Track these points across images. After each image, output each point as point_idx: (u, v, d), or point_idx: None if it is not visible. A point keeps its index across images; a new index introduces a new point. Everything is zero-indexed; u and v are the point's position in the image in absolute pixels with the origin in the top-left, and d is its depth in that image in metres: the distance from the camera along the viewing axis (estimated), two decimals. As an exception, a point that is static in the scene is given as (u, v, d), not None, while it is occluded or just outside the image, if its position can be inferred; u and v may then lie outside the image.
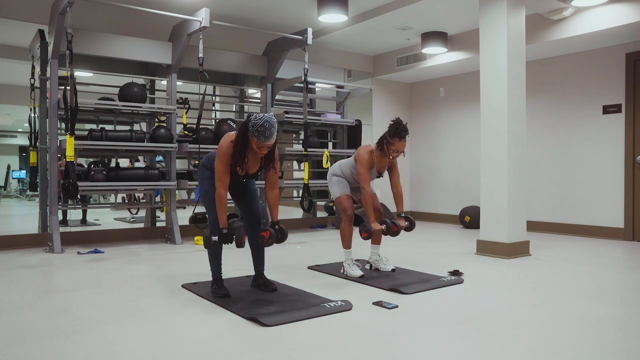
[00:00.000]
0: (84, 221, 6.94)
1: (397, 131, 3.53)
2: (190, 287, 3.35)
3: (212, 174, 3.06)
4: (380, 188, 4.17)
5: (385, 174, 3.86)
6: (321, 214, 7.63)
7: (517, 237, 4.63)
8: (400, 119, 3.59)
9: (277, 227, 3.07)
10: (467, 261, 4.38)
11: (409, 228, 3.73)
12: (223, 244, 2.99)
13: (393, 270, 3.84)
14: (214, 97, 6.70)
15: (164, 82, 5.78)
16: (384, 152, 3.64)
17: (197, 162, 5.57)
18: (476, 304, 3.02)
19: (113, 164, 5.59)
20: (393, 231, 3.63)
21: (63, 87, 4.76)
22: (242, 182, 3.23)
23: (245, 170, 3.02)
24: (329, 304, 2.87)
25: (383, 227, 3.62)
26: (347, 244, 3.80)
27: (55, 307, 2.91)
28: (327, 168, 6.11)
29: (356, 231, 3.88)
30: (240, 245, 2.92)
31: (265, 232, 3.03)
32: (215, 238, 2.96)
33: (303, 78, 5.88)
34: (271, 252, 4.32)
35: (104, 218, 7.44)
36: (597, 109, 5.97)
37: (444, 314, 2.81)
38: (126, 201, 7.18)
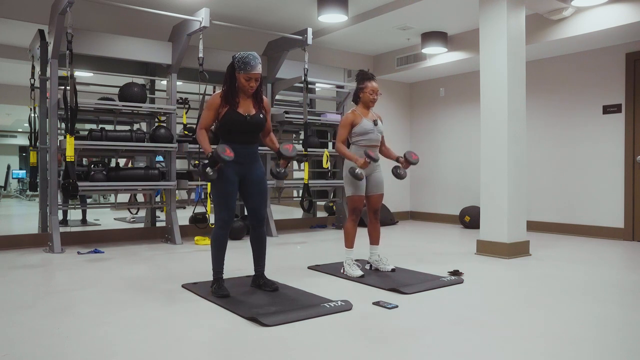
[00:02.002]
0: (84, 221, 6.95)
1: (364, 75, 3.80)
2: (190, 287, 3.35)
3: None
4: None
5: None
6: (321, 214, 7.63)
7: (517, 237, 4.63)
8: (362, 69, 3.92)
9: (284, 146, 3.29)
10: (467, 261, 4.38)
11: (408, 163, 3.83)
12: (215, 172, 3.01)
13: (393, 270, 3.85)
14: (214, 97, 6.69)
15: (164, 82, 5.78)
16: (363, 103, 3.81)
17: (197, 162, 5.57)
18: (476, 304, 3.02)
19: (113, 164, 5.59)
20: (403, 167, 3.80)
21: (63, 87, 4.76)
22: (252, 153, 3.20)
23: (244, 109, 3.09)
24: (329, 304, 2.87)
25: (369, 159, 3.61)
26: (349, 243, 3.80)
27: (55, 307, 2.92)
28: (327, 168, 6.13)
29: (358, 231, 3.88)
30: (222, 152, 2.93)
31: (289, 145, 3.28)
32: (209, 169, 2.97)
33: (303, 78, 5.88)
34: (271, 252, 4.33)
35: (104, 218, 7.44)
36: (597, 109, 5.97)
37: (444, 314, 2.81)
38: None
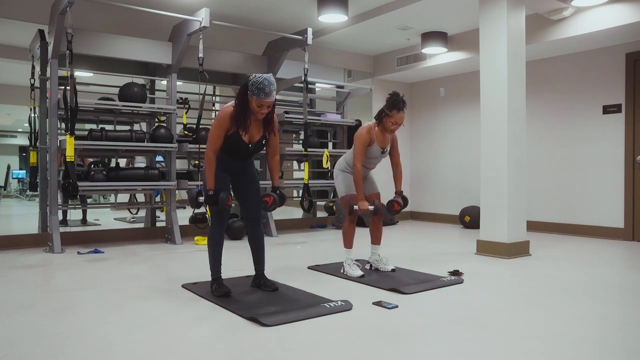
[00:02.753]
0: (84, 221, 6.94)
1: (395, 103, 3.55)
2: (190, 287, 3.35)
3: None
4: (380, 189, 4.16)
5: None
6: (321, 214, 7.63)
7: (517, 237, 4.63)
8: (397, 92, 3.62)
9: (278, 192, 3.17)
10: (467, 261, 4.38)
11: (401, 205, 3.76)
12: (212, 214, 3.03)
13: (393, 270, 3.84)
14: (214, 97, 6.70)
15: (164, 82, 5.78)
16: (383, 126, 3.66)
17: (197, 162, 5.57)
18: (476, 304, 3.02)
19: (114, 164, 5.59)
20: (388, 209, 3.72)
21: (63, 87, 4.76)
22: (246, 166, 3.22)
23: (249, 136, 3.04)
24: (329, 304, 2.87)
25: (371, 207, 3.64)
26: (348, 243, 3.80)
27: (55, 307, 2.91)
28: (327, 168, 6.14)
29: (358, 231, 3.88)
30: (223, 206, 2.94)
31: (268, 197, 3.11)
32: (201, 198, 3.00)
33: (303, 78, 5.88)
34: (271, 252, 4.33)
35: (104, 218, 7.44)
36: (597, 109, 5.97)
37: (444, 314, 2.81)
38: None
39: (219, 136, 2.99)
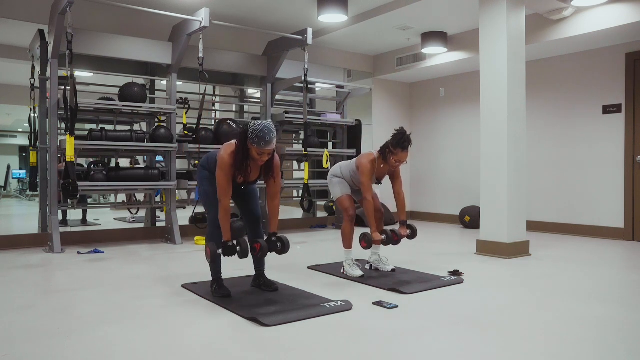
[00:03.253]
0: (84, 221, 6.94)
1: (401, 142, 3.54)
2: (191, 287, 3.35)
3: (211, 175, 3.07)
4: (380, 189, 4.20)
5: (387, 179, 3.87)
6: (321, 214, 7.63)
7: (517, 237, 4.63)
8: (404, 129, 3.61)
9: (274, 238, 3.05)
10: (467, 261, 4.38)
11: (411, 236, 3.76)
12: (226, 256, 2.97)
13: (393, 270, 3.84)
14: (214, 97, 6.69)
15: (164, 82, 5.78)
16: (385, 161, 3.65)
17: (197, 162, 5.57)
18: (476, 304, 3.02)
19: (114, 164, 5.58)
20: (394, 240, 3.66)
21: (63, 87, 4.76)
22: (241, 188, 3.23)
23: (245, 179, 3.02)
24: (329, 304, 2.87)
25: (383, 237, 3.64)
26: (348, 244, 3.80)
27: (55, 307, 2.91)
28: (327, 168, 6.13)
29: (358, 231, 3.88)
30: (244, 256, 2.91)
31: (256, 244, 2.98)
32: (220, 251, 2.96)
33: (303, 78, 5.88)
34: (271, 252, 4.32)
35: (104, 218, 7.44)
36: (597, 109, 5.97)
37: (444, 314, 2.81)
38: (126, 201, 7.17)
39: (229, 182, 2.92)
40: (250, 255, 3.08)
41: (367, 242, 3.63)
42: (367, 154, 3.71)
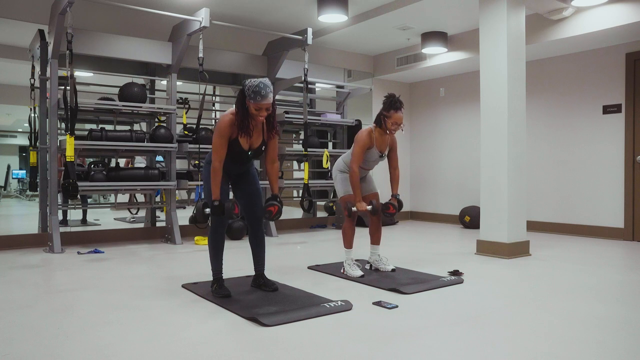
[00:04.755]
0: (84, 221, 6.94)
1: (392, 103, 3.58)
2: (191, 287, 3.35)
3: None
4: (379, 190, 4.21)
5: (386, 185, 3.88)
6: (321, 214, 7.63)
7: (517, 237, 4.63)
8: (393, 93, 3.64)
9: (278, 199, 3.15)
10: (467, 261, 4.38)
11: (397, 208, 3.75)
12: (218, 219, 3.01)
13: (393, 270, 3.84)
14: (214, 97, 6.70)
15: (164, 82, 5.78)
16: (382, 129, 3.67)
17: (197, 162, 5.57)
18: (476, 304, 3.02)
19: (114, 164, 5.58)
20: (384, 212, 3.69)
21: (63, 87, 4.76)
22: (246, 169, 3.23)
23: (250, 143, 3.05)
24: (329, 304, 2.87)
25: (369, 207, 3.64)
26: (348, 243, 3.80)
27: (55, 307, 2.92)
28: (327, 168, 6.13)
29: (358, 231, 3.88)
30: (230, 216, 2.94)
31: (272, 207, 3.08)
32: (207, 210, 2.99)
33: (303, 78, 5.88)
34: (271, 252, 4.33)
35: (104, 218, 7.44)
36: (597, 109, 5.97)
37: (444, 314, 2.81)
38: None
39: (223, 145, 2.98)
40: (250, 250, 3.07)
41: (347, 210, 3.61)
42: (365, 127, 3.75)
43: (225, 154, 3.02)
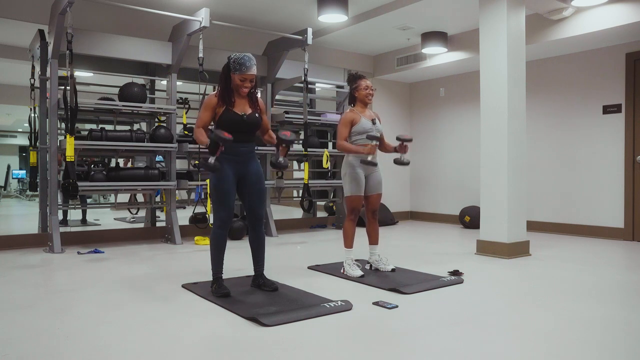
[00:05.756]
0: (84, 221, 6.95)
1: (354, 77, 3.88)
2: (191, 287, 3.35)
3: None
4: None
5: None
6: (321, 214, 7.63)
7: (517, 237, 4.63)
8: (349, 70, 3.89)
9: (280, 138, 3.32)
10: (467, 261, 4.38)
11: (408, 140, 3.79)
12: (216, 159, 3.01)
13: (393, 270, 3.85)
14: (214, 97, 6.68)
15: (164, 82, 5.78)
16: (360, 102, 3.84)
17: (197, 162, 5.57)
18: (476, 304, 3.02)
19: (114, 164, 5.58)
20: (398, 148, 3.75)
21: (63, 87, 4.76)
22: (250, 151, 3.23)
23: (240, 108, 3.14)
24: (329, 304, 2.87)
25: (374, 141, 3.69)
26: (348, 243, 3.80)
27: (55, 307, 2.92)
28: (327, 168, 6.13)
29: (358, 231, 3.88)
30: (224, 141, 2.94)
31: (287, 132, 3.30)
32: (210, 159, 2.97)
33: (303, 78, 5.88)
34: (271, 252, 4.33)
35: (104, 218, 7.44)
36: (597, 109, 5.97)
37: (444, 314, 2.81)
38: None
39: (206, 116, 3.14)
40: (250, 251, 3.04)
41: (368, 163, 3.64)
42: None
43: (225, 129, 3.07)
